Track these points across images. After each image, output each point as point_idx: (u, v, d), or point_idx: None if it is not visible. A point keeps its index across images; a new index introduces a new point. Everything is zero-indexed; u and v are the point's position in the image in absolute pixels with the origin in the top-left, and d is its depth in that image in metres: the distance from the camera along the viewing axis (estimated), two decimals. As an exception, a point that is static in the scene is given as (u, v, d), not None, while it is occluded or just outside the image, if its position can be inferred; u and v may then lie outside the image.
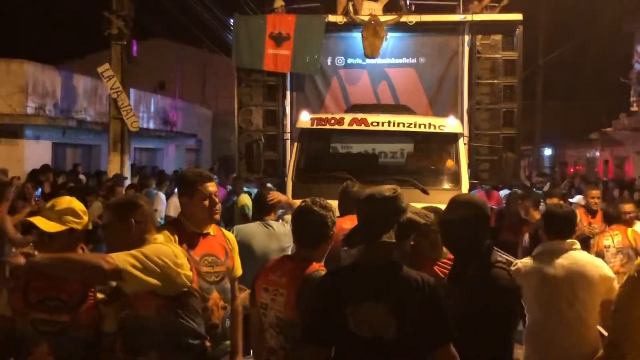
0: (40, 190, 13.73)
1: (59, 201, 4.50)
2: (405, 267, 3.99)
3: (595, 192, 10.59)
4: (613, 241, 8.96)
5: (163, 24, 25.43)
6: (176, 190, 15.20)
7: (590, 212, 10.77)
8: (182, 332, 4.15)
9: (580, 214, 10.13)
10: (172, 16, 21.79)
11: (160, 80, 30.97)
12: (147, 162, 24.57)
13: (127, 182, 15.41)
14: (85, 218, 4.45)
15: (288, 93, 13.73)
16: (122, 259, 3.91)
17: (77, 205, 4.47)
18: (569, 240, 5.51)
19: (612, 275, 5.54)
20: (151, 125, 22.86)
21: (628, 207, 9.42)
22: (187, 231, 4.94)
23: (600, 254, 8.54)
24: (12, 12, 22.77)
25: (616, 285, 5.37)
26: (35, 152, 17.43)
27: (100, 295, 4.28)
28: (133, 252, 4.05)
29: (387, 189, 4.04)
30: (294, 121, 13.07)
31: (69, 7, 23.07)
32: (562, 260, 5.32)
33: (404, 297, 3.81)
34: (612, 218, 9.44)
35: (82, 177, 17.13)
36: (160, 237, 4.44)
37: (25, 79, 16.93)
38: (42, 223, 4.25)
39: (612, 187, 18.99)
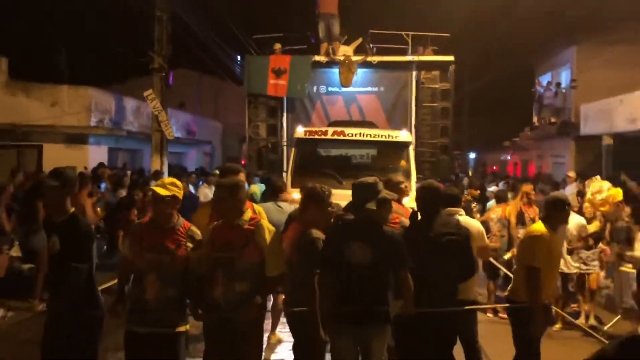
0: (104, 184, 13.76)
1: (166, 179, 4.81)
2: (380, 223, 4.54)
3: (529, 187, 10.01)
4: (497, 213, 9.51)
5: (185, 57, 25.26)
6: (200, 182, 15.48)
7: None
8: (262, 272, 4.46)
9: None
10: (193, 52, 21.79)
11: (181, 100, 30.69)
12: (175, 162, 24.61)
13: (165, 176, 15.38)
14: (181, 191, 4.63)
15: (285, 112, 13.96)
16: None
17: (176, 181, 4.70)
18: (455, 209, 5.76)
19: (482, 228, 5.98)
20: (178, 135, 22.89)
21: (527, 187, 9.70)
22: None
23: (487, 222, 9.23)
24: (77, 46, 22.66)
25: (484, 236, 5.99)
26: (95, 155, 17.35)
27: (189, 244, 4.48)
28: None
29: (371, 179, 4.60)
30: (289, 132, 13.26)
31: (120, 43, 22.94)
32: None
33: (379, 240, 4.38)
34: (500, 199, 10.12)
35: (128, 172, 16.97)
36: (249, 210, 4.73)
37: (89, 100, 16.80)
38: (159, 190, 4.50)
39: (516, 182, 19.33)
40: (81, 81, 17.72)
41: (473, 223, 5.89)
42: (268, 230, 4.53)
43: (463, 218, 5.61)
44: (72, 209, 4.73)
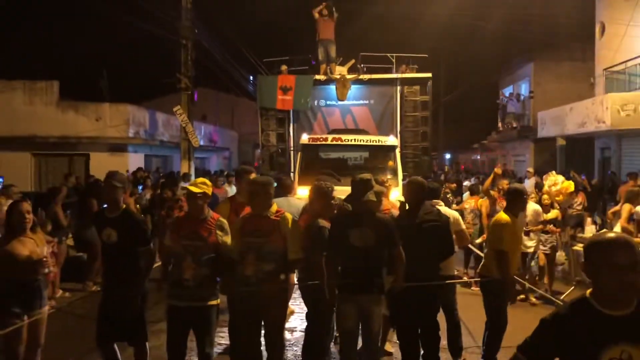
0: (141, 186, 13.65)
1: (198, 179, 4.88)
2: (375, 211, 4.62)
3: (506, 182, 9.73)
4: (470, 204, 9.66)
5: (207, 77, 25.29)
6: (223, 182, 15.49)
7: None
8: (285, 255, 4.52)
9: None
10: (213, 72, 21.80)
11: (203, 113, 30.74)
12: (199, 166, 24.67)
13: (192, 178, 15.45)
14: (210, 188, 4.69)
15: (291, 123, 14.01)
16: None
17: (206, 181, 4.78)
18: (436, 201, 5.80)
19: (457, 215, 6.11)
20: (202, 143, 22.87)
21: (503, 183, 9.58)
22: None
23: (462, 211, 9.36)
24: (116, 69, 22.69)
25: (461, 222, 6.05)
26: (134, 161, 17.41)
27: (219, 232, 4.53)
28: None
29: (367, 175, 4.66)
30: (295, 139, 13.27)
31: (152, 66, 22.98)
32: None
33: (375, 225, 4.44)
34: (472, 192, 10.19)
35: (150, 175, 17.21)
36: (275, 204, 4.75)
37: (128, 115, 16.82)
38: (193, 188, 4.57)
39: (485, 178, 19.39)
40: (120, 99, 17.75)
41: (451, 212, 5.96)
42: (291, 221, 4.60)
43: (442, 208, 5.66)
44: (124, 206, 4.85)
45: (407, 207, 5.01)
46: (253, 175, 5.40)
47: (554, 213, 8.33)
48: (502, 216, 5.29)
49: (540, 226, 8.00)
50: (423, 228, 4.75)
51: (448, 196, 10.54)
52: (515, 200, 5.33)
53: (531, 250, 8.06)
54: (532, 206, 7.92)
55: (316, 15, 13.92)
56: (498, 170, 9.12)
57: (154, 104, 24.05)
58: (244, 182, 5.33)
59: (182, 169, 16.29)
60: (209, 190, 4.68)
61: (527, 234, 7.77)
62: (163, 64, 18.66)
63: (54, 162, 16.81)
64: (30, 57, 20.80)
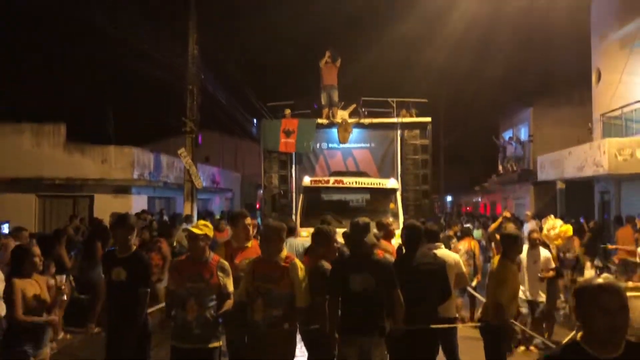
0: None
1: (199, 222, 5.02)
2: (375, 255, 4.73)
3: (512, 226, 9.96)
4: (464, 246, 9.66)
5: (212, 120, 25.56)
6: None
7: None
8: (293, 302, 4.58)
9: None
10: (218, 115, 22.08)
11: (206, 155, 30.94)
12: (202, 207, 24.66)
13: (194, 220, 15.52)
14: (211, 231, 4.81)
15: (294, 165, 14.24)
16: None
17: (208, 223, 4.92)
18: (437, 243, 5.95)
19: (458, 258, 6.10)
20: (205, 184, 22.89)
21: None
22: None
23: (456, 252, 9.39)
24: (122, 112, 23.04)
25: (461, 265, 6.05)
26: (137, 202, 17.41)
27: (220, 274, 4.63)
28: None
29: (365, 219, 4.81)
30: (298, 181, 13.46)
31: (157, 109, 23.32)
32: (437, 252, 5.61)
33: (377, 268, 4.53)
34: (464, 234, 10.22)
35: (165, 217, 17.11)
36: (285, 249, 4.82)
37: (132, 157, 16.93)
38: (194, 230, 4.71)
39: (486, 220, 19.46)
40: (126, 141, 17.93)
41: (450, 255, 6.01)
42: (300, 268, 4.66)
43: (441, 251, 5.72)
44: (134, 247, 5.00)
45: (404, 251, 5.08)
46: (248, 220, 5.46)
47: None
48: (497, 261, 5.36)
49: (551, 272, 7.93)
50: (420, 271, 4.81)
51: (452, 241, 10.54)
52: (511, 246, 5.39)
53: (542, 300, 7.79)
54: (543, 252, 7.83)
55: (322, 65, 14.26)
56: (507, 213, 9.18)
57: (159, 146, 24.21)
58: (240, 226, 5.38)
59: (185, 210, 16.35)
60: (210, 232, 4.79)
61: (541, 280, 7.65)
62: (169, 106, 18.93)
63: (58, 203, 16.89)
64: (38, 100, 21.15)
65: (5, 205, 15.48)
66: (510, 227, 9.11)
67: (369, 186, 11.49)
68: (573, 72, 20.32)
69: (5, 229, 13.02)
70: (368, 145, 14.55)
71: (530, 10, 16.01)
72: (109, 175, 16.70)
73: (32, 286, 4.81)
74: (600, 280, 2.36)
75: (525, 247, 7.72)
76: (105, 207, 15.74)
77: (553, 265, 7.93)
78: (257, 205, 19.45)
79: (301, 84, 14.63)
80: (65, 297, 7.72)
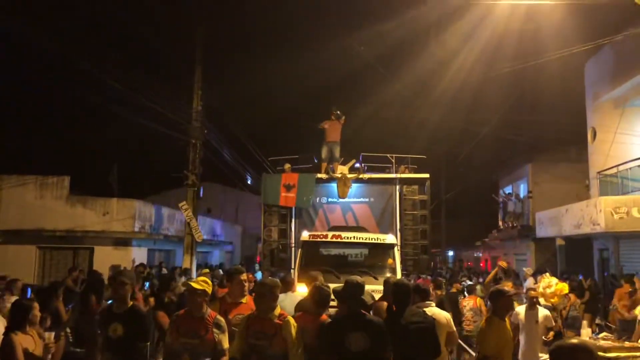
0: (148, 283, 13.38)
1: (199, 278, 5.12)
2: (368, 315, 4.82)
3: (510, 284, 9.42)
4: (469, 303, 9.73)
5: (213, 172, 25.77)
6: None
7: None
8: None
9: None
10: (219, 168, 22.34)
11: (207, 207, 31.08)
12: (201, 259, 24.68)
13: (193, 274, 15.31)
14: (209, 287, 4.90)
15: (293, 219, 14.18)
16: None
17: (207, 279, 5.01)
18: (428, 302, 5.99)
19: (449, 317, 6.08)
20: (205, 237, 22.92)
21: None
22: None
23: (462, 310, 9.41)
24: (125, 165, 23.27)
25: (452, 324, 6.05)
26: (137, 255, 17.48)
27: (216, 330, 4.69)
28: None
29: (358, 279, 4.92)
30: (297, 235, 13.36)
31: (159, 162, 23.57)
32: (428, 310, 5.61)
33: (371, 328, 4.58)
34: (470, 291, 10.32)
35: (164, 270, 17.17)
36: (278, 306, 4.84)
37: (134, 210, 17.11)
38: (194, 285, 4.81)
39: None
40: (128, 193, 18.19)
41: (441, 313, 6.04)
42: (293, 326, 4.69)
43: (430, 309, 5.76)
44: (131, 302, 5.08)
45: (393, 309, 5.16)
46: (244, 276, 5.51)
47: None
48: (486, 319, 5.44)
49: (551, 334, 7.90)
50: (410, 330, 4.85)
51: (460, 297, 10.52)
52: (497, 302, 5.47)
53: None
54: (542, 312, 7.81)
55: (326, 126, 14.61)
56: (503, 263, 9.20)
57: (160, 198, 24.43)
58: (235, 282, 5.43)
59: (184, 263, 16.38)
60: (209, 288, 4.89)
61: (546, 344, 7.52)
62: (172, 159, 19.19)
63: (58, 255, 16.97)
64: (43, 153, 21.54)
65: (7, 257, 15.58)
66: (508, 286, 9.14)
67: (368, 241, 11.49)
68: (571, 129, 20.71)
69: None
70: (367, 200, 14.59)
71: (526, 68, 16.48)
72: (110, 227, 16.84)
73: (27, 341, 4.87)
74: (574, 340, 2.49)
75: (523, 307, 7.83)
76: (105, 259, 15.84)
77: (553, 324, 7.87)
78: (258, 259, 19.38)
79: (302, 139, 14.90)
80: (51, 353, 7.66)
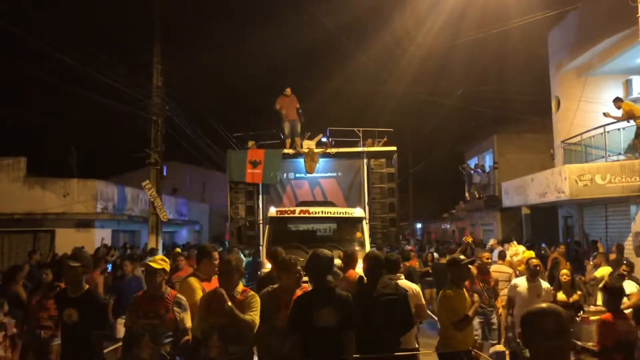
0: (110, 265, 13.06)
1: (157, 257, 4.98)
2: (337, 289, 4.62)
3: (486, 255, 9.25)
4: None
5: (178, 151, 25.35)
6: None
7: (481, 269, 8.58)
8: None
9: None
10: (184, 147, 21.96)
11: (174, 187, 30.65)
12: (168, 240, 24.40)
13: (159, 253, 15.23)
14: (167, 265, 4.74)
15: (260, 195, 14.02)
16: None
17: (165, 258, 4.89)
18: (398, 274, 5.97)
19: (418, 289, 6.10)
20: (171, 217, 22.65)
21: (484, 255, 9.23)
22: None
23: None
24: (85, 145, 22.71)
25: (421, 296, 6.01)
26: (101, 236, 17.13)
27: (177, 309, 4.55)
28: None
29: (324, 251, 4.72)
30: (264, 212, 13.19)
31: (120, 141, 23.04)
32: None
33: (339, 303, 4.41)
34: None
35: (129, 251, 16.95)
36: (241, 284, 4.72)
37: (95, 190, 16.71)
38: (152, 264, 4.64)
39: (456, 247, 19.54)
40: (89, 175, 17.71)
41: (410, 285, 6.00)
42: (257, 301, 4.54)
43: (402, 281, 5.72)
44: (87, 286, 4.84)
45: (364, 281, 5.06)
46: (215, 254, 5.40)
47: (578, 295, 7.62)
48: (446, 290, 5.44)
49: None
50: (381, 302, 4.76)
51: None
52: (454, 271, 5.45)
53: None
54: (544, 284, 7.29)
55: (278, 107, 14.41)
56: (469, 239, 9.18)
57: (124, 179, 23.93)
58: (206, 261, 5.34)
59: (150, 243, 16.07)
60: (168, 267, 4.72)
61: None
62: (133, 139, 18.72)
63: (17, 239, 16.47)
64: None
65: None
66: (484, 256, 8.93)
67: (336, 215, 11.45)
68: (535, 99, 20.91)
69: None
70: (335, 174, 14.50)
71: (490, 38, 16.44)
72: (71, 209, 16.41)
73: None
74: (543, 304, 2.41)
75: (522, 279, 7.32)
76: (67, 242, 15.39)
77: (552, 298, 7.23)
78: (227, 237, 19.21)
79: (266, 114, 14.63)
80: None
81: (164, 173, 16.69)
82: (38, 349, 6.73)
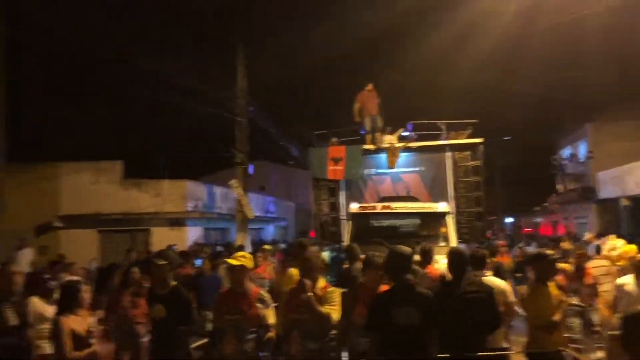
0: (200, 260, 12.98)
1: (238, 253, 5.07)
2: (418, 287, 4.49)
3: (569, 244, 8.95)
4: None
5: (264, 151, 25.95)
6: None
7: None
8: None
9: None
10: (270, 147, 22.42)
11: (260, 185, 31.32)
12: (256, 236, 24.92)
13: (247, 250, 15.51)
14: (249, 262, 4.82)
15: (342, 191, 13.99)
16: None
17: (246, 254, 4.97)
18: (485, 271, 5.74)
19: (508, 287, 5.80)
20: (258, 214, 23.10)
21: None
22: None
23: None
24: (175, 148, 23.63)
25: (510, 294, 5.72)
26: (192, 234, 17.78)
27: (259, 305, 4.60)
28: None
29: (403, 248, 4.59)
30: (346, 209, 13.07)
31: (208, 143, 23.79)
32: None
33: (421, 302, 4.29)
34: None
35: (219, 248, 17.57)
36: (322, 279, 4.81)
37: (186, 191, 17.36)
38: (232, 261, 4.76)
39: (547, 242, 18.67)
40: (178, 176, 18.41)
41: (498, 282, 5.72)
42: (338, 294, 4.54)
43: (488, 278, 5.47)
44: (174, 283, 4.99)
45: (448, 278, 4.88)
46: (311, 249, 5.56)
47: None
48: (531, 287, 5.14)
49: None
50: (465, 299, 4.56)
51: None
52: (540, 266, 5.10)
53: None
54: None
55: (359, 105, 14.26)
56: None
57: (212, 178, 24.74)
58: (304, 256, 5.26)
59: (237, 240, 16.54)
60: (249, 264, 4.75)
61: None
62: (220, 140, 19.30)
63: (116, 238, 17.41)
64: (96, 139, 22.03)
65: (69, 241, 16.09)
66: (566, 245, 8.43)
67: (419, 210, 11.20)
68: (633, 86, 19.50)
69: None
70: (418, 169, 14.22)
71: (585, 24, 15.41)
72: (163, 209, 17.11)
73: (77, 323, 4.85)
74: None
75: (630, 277, 6.52)
76: (161, 239, 16.09)
77: None
78: (312, 234, 19.39)
79: (349, 110, 14.51)
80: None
81: (251, 172, 17.06)
82: (131, 346, 7.01)
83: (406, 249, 4.58)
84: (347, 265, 7.69)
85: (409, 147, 13.87)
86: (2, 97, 12.80)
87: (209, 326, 4.91)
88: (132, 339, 7.09)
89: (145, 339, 6.86)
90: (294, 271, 5.27)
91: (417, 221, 11.42)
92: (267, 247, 14.75)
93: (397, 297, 4.34)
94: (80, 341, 4.83)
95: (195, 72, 15.03)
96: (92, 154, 18.18)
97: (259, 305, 4.62)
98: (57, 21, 12.88)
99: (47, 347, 5.28)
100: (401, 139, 14.17)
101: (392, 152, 13.79)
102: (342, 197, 13.98)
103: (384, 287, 4.81)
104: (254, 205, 18.86)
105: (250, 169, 16.99)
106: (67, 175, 16.93)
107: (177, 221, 17.50)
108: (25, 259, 12.89)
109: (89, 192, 16.79)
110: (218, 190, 20.07)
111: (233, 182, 16.44)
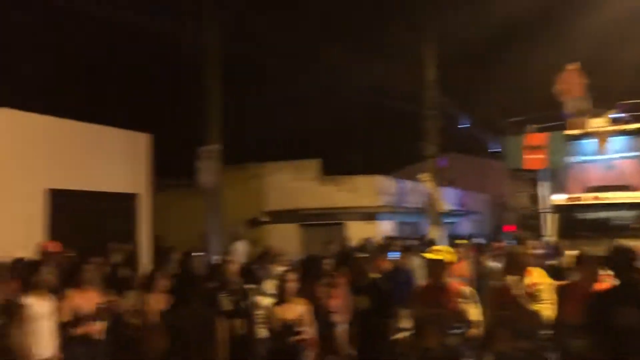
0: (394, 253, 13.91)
1: (437, 247, 5.02)
2: None
3: None
4: None
5: (455, 143, 25.40)
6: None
7: None
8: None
9: None
10: (461, 139, 21.83)
11: (452, 178, 30.58)
12: (451, 231, 24.35)
13: (441, 244, 15.25)
14: (448, 256, 4.67)
15: (543, 183, 13.37)
16: None
17: (446, 249, 4.87)
18: None
19: None
20: (450, 208, 22.62)
21: None
22: None
23: None
24: (369, 144, 24.10)
25: None
26: (383, 228, 18.00)
27: (460, 300, 4.44)
28: None
29: (628, 243, 4.19)
30: (546, 200, 12.66)
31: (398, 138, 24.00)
32: None
33: None
34: None
35: (410, 241, 17.55)
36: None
37: (378, 186, 17.84)
38: (427, 255, 4.69)
39: None
40: (372, 171, 18.85)
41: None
42: (544, 291, 4.32)
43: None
44: (375, 275, 5.14)
45: None
46: (531, 244, 5.26)
47: None
48: None
49: None
50: None
51: None
52: None
53: None
54: None
55: (561, 87, 13.22)
56: None
57: (405, 172, 24.86)
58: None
59: (430, 234, 16.37)
60: (449, 257, 4.66)
61: None
62: (410, 135, 19.31)
63: (314, 231, 18.35)
64: (295, 139, 23.45)
65: (275, 235, 17.42)
66: None
67: (634, 201, 10.01)
68: None
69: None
70: (634, 154, 12.82)
71: None
72: (357, 203, 17.62)
73: (285, 311, 5.17)
74: None
75: None
76: (356, 233, 16.56)
77: None
78: (510, 228, 18.37)
79: (544, 96, 13.57)
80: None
81: (442, 165, 16.83)
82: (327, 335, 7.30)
83: (629, 245, 4.14)
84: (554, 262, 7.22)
85: (623, 130, 12.49)
86: (219, 108, 14.12)
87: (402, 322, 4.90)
88: (328, 328, 7.42)
89: (340, 329, 7.13)
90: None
91: (632, 213, 10.66)
92: (460, 241, 14.46)
93: (622, 296, 3.92)
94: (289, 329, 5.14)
95: (382, 68, 15.22)
96: (292, 153, 19.45)
97: (460, 300, 4.51)
98: (263, 29, 14.02)
99: (263, 332, 5.69)
100: (612, 121, 12.95)
101: (601, 136, 12.55)
102: (543, 188, 13.25)
103: (600, 285, 4.39)
104: (446, 198, 18.51)
105: (443, 161, 16.74)
106: (270, 175, 18.31)
107: (369, 215, 17.87)
108: (241, 251, 14.20)
109: (290, 189, 17.94)
110: (409, 184, 20.10)
111: (423, 175, 16.35)
